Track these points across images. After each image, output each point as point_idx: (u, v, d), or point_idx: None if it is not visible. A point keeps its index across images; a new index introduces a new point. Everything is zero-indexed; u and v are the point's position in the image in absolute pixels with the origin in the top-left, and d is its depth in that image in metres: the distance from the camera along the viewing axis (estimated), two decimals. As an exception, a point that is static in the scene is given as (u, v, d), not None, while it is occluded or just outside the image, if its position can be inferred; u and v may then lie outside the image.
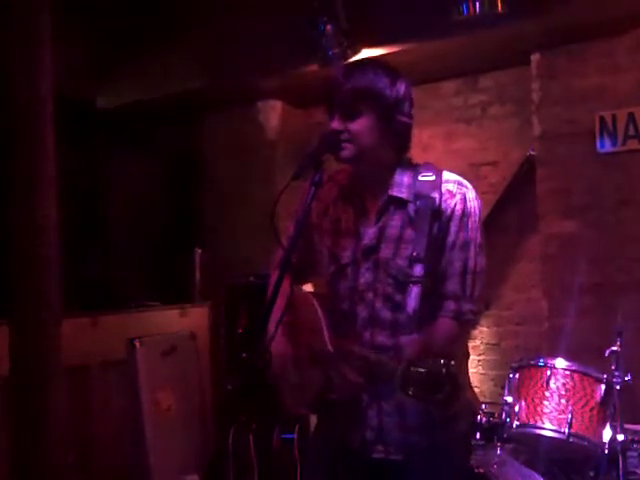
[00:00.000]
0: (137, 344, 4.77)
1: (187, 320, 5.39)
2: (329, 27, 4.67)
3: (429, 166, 2.36)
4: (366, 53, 4.77)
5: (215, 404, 5.44)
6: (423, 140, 5.43)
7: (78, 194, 5.80)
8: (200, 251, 5.80)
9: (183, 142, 6.38)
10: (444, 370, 1.90)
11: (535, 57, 4.87)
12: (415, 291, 2.22)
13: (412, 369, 1.93)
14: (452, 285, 2.25)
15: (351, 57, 4.70)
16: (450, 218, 2.25)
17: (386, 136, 2.29)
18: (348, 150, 2.28)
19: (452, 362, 1.92)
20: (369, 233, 2.32)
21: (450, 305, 2.25)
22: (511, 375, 3.56)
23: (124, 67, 5.88)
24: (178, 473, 4.90)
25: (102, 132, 6.10)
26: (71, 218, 4.82)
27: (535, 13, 4.32)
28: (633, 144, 4.56)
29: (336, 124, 2.28)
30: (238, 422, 4.88)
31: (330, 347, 2.30)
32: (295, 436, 4.53)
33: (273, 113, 5.97)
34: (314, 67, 4.92)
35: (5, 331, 3.70)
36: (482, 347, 5.34)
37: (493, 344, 5.32)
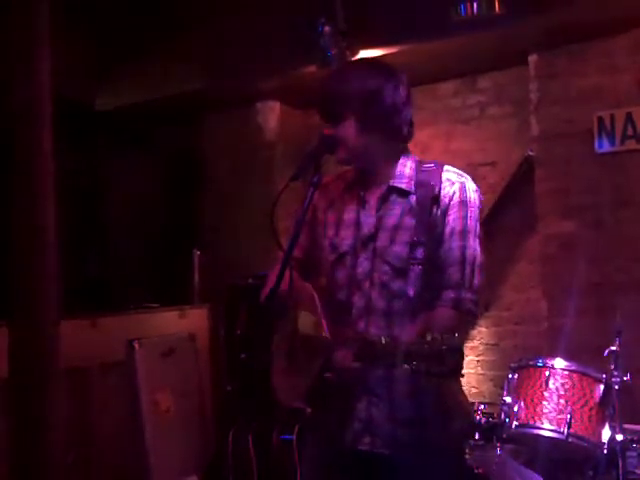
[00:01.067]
0: (136, 345, 4.77)
1: (186, 321, 5.39)
2: (327, 28, 4.68)
3: (432, 160, 2.39)
4: (364, 54, 4.77)
5: (214, 405, 5.44)
6: (422, 141, 5.42)
7: (78, 195, 5.80)
8: (199, 252, 5.80)
9: (182, 143, 6.38)
10: (446, 342, 1.91)
11: (533, 57, 4.88)
12: (417, 272, 2.23)
13: (414, 345, 1.95)
14: (451, 274, 2.26)
15: (349, 58, 4.71)
16: (448, 206, 2.27)
17: (371, 130, 2.32)
18: (341, 154, 2.33)
19: (456, 335, 1.94)
20: (368, 222, 2.35)
21: (449, 294, 2.25)
22: (510, 375, 3.56)
23: (124, 68, 5.88)
24: (178, 474, 4.90)
25: (102, 133, 6.10)
26: (70, 219, 4.83)
27: (533, 13, 4.32)
28: (631, 144, 4.56)
29: (326, 131, 2.34)
30: (237, 423, 4.88)
31: (327, 334, 2.31)
32: (294, 437, 4.53)
33: (272, 114, 5.98)
34: (313, 68, 4.92)
35: (4, 332, 3.69)
36: (481, 347, 5.35)
37: (492, 344, 5.32)
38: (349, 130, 2.31)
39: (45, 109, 3.70)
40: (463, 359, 2.39)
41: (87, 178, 6.08)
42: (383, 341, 2.08)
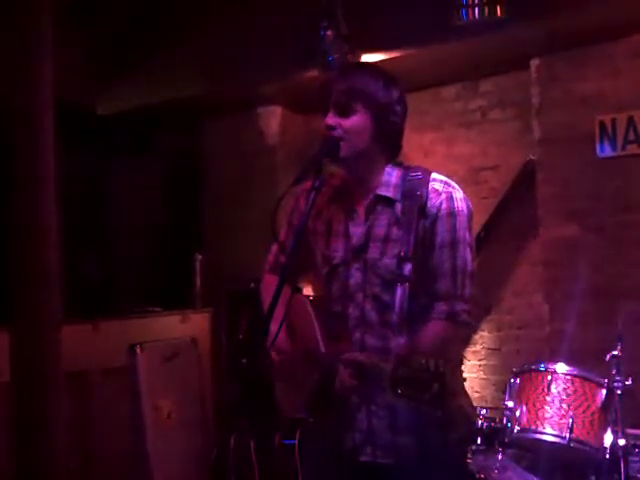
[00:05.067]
0: (138, 350, 4.76)
1: (188, 326, 5.38)
2: (329, 32, 4.67)
3: (419, 168, 2.38)
4: (366, 58, 4.77)
5: (216, 410, 5.43)
6: (424, 145, 5.43)
7: (79, 198, 5.80)
8: (200, 257, 5.80)
9: (184, 147, 6.39)
10: (432, 369, 1.91)
11: (535, 62, 4.88)
12: (402, 291, 2.22)
13: (400, 369, 1.95)
14: (443, 286, 2.25)
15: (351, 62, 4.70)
16: (436, 218, 2.26)
17: (378, 136, 2.31)
18: (342, 149, 2.29)
19: (441, 361, 1.93)
20: (357, 233, 2.34)
21: (441, 306, 2.25)
22: (512, 380, 3.55)
23: (124, 72, 5.88)
24: (179, 479, 4.89)
25: (103, 136, 6.11)
26: (72, 222, 4.83)
27: (535, 18, 4.32)
28: (633, 148, 4.56)
29: (330, 120, 2.30)
30: (239, 427, 4.87)
31: (322, 348, 2.32)
32: (296, 442, 4.52)
33: (273, 119, 5.97)
34: (314, 73, 4.91)
35: (6, 336, 3.70)
36: (483, 352, 5.34)
37: (494, 349, 5.31)
38: (361, 125, 2.28)
39: (47, 112, 3.71)
40: (462, 364, 2.40)
41: (88, 181, 6.08)
42: (373, 363, 2.09)
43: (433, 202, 2.27)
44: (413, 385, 1.92)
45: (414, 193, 2.28)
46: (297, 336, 2.45)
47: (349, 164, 2.35)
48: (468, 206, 2.31)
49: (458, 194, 2.30)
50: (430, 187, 2.29)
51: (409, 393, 1.93)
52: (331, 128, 2.29)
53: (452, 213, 2.26)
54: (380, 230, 2.30)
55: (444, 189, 2.29)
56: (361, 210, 2.36)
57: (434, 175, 2.33)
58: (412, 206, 2.27)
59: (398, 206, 2.30)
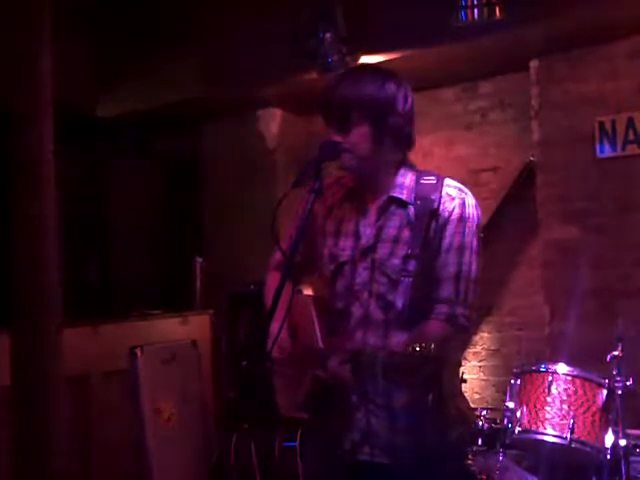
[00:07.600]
0: (138, 353, 4.76)
1: (188, 328, 5.38)
2: (328, 34, 4.68)
3: (432, 172, 2.39)
4: (365, 60, 4.78)
5: (217, 412, 5.43)
6: (423, 147, 5.41)
7: (79, 201, 5.80)
8: (201, 259, 5.80)
9: (183, 150, 6.38)
10: (421, 353, 1.92)
11: (534, 63, 4.88)
12: (405, 284, 2.23)
13: (392, 356, 1.98)
14: (445, 289, 2.26)
15: (350, 64, 4.70)
16: (447, 221, 2.27)
17: (383, 139, 2.31)
18: (348, 160, 2.31)
19: (430, 344, 1.94)
20: (367, 233, 2.35)
21: (442, 308, 2.25)
22: (513, 381, 3.56)
23: (125, 75, 5.89)
24: (180, 482, 4.89)
25: (103, 140, 6.11)
26: (71, 226, 4.83)
27: (534, 19, 4.33)
28: (633, 149, 4.56)
29: (334, 137, 2.31)
30: (240, 430, 4.88)
31: (320, 343, 2.32)
32: (297, 443, 4.52)
33: (273, 121, 5.97)
34: (313, 75, 4.92)
35: (7, 339, 3.69)
36: (483, 353, 5.34)
37: (494, 350, 5.32)
38: (362, 137, 2.29)
39: (47, 113, 3.71)
40: (460, 366, 2.40)
41: (88, 185, 6.08)
42: (366, 351, 2.11)
43: (445, 206, 2.28)
44: (405, 370, 1.94)
45: (427, 197, 2.29)
46: (299, 336, 2.45)
47: (360, 170, 2.36)
48: (478, 213, 2.32)
49: (471, 200, 2.32)
50: (444, 192, 2.30)
51: (400, 377, 1.95)
52: (337, 143, 2.29)
53: (463, 218, 2.28)
54: (391, 231, 2.31)
55: (458, 195, 2.30)
56: (373, 210, 2.37)
57: (448, 180, 2.34)
58: (424, 209, 2.28)
59: (411, 209, 2.31)
